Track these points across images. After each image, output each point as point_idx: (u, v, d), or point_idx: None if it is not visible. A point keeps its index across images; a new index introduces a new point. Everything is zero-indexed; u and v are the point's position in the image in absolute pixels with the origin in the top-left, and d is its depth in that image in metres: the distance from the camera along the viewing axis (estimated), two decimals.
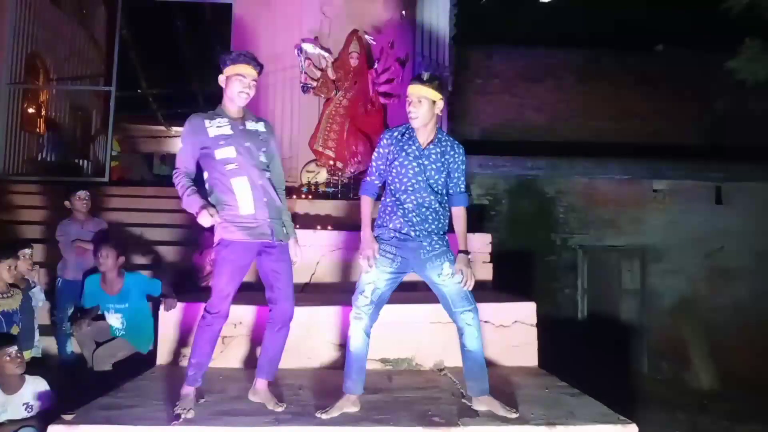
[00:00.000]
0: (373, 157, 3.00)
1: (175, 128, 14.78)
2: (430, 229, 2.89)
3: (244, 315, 3.82)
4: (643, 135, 8.73)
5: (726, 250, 7.75)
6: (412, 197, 2.89)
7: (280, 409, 2.90)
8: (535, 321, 3.99)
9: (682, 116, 8.89)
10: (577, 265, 7.82)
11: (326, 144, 6.09)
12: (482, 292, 4.65)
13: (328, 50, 6.29)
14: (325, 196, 5.98)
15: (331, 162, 6.10)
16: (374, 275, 2.85)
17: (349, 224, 4.51)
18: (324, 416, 2.79)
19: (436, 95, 2.86)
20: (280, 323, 3.01)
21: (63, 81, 9.70)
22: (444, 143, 2.95)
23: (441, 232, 2.93)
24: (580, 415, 2.90)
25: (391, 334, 3.71)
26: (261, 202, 2.89)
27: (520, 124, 8.86)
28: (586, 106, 8.95)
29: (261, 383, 3.04)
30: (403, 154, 2.89)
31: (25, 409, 3.23)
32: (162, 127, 15.52)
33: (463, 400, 3.06)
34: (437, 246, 2.89)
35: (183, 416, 2.71)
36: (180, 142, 2.96)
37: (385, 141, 2.96)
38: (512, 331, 3.94)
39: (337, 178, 6.11)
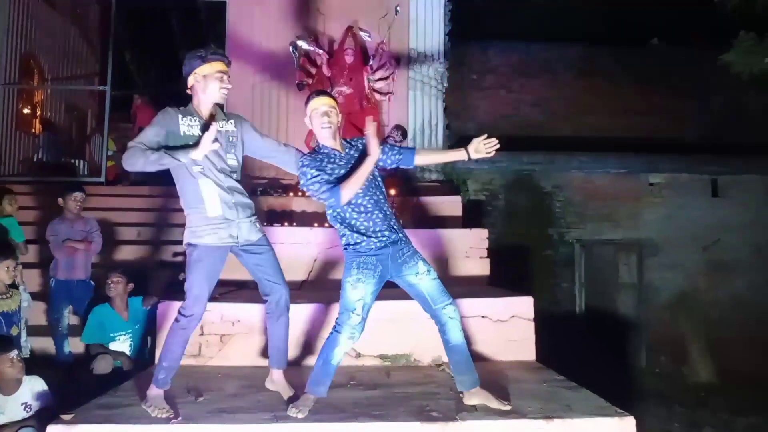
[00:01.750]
0: (316, 179, 2.86)
1: None
2: (394, 227, 2.93)
3: (241, 313, 3.82)
4: (639, 130, 8.71)
5: (723, 243, 7.75)
6: (366, 198, 2.90)
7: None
8: (532, 315, 4.00)
9: (678, 111, 8.87)
10: (575, 259, 7.82)
11: None
12: (479, 287, 4.68)
13: (323, 47, 6.29)
14: None
15: None
16: (361, 292, 2.85)
17: None
18: (299, 415, 2.78)
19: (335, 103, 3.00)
20: (277, 312, 3.03)
21: (58, 81, 9.66)
22: (352, 143, 3.03)
23: (402, 232, 2.98)
24: (577, 408, 2.91)
25: (389, 330, 3.73)
26: (229, 204, 2.87)
27: (517, 120, 8.83)
28: (582, 101, 8.93)
29: (276, 373, 3.13)
30: (334, 170, 2.90)
31: (24, 410, 3.23)
32: None
33: (461, 395, 3.07)
34: (409, 247, 2.95)
35: (161, 416, 2.72)
36: (147, 127, 2.80)
37: (314, 167, 2.87)
38: (510, 326, 3.95)
39: None
